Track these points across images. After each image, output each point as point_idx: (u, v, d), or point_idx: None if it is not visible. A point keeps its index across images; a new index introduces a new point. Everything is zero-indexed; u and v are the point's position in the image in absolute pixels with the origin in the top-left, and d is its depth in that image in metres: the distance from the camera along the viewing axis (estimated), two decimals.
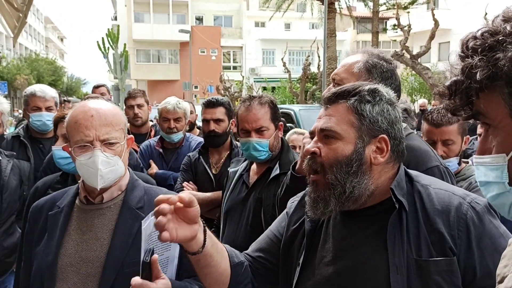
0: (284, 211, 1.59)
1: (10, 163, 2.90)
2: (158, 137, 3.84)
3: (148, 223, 1.27)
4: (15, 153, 3.09)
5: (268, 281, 1.52)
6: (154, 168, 3.62)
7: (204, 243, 1.26)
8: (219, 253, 1.36)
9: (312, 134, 1.39)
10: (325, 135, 1.31)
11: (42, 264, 1.65)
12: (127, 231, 1.58)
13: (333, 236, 1.36)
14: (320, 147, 1.31)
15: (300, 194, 1.57)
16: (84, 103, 1.71)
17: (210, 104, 3.22)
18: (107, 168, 1.61)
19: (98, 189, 1.64)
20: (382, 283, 1.21)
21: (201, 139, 3.77)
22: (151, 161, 3.70)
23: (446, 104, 0.91)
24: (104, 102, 1.76)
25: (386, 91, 1.35)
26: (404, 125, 2.01)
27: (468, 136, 2.72)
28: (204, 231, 1.26)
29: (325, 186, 1.29)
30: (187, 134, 3.90)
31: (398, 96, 1.89)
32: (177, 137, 3.68)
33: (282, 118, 2.91)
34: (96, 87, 5.60)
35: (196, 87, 34.84)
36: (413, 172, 1.38)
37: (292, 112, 9.26)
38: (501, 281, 0.89)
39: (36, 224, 1.77)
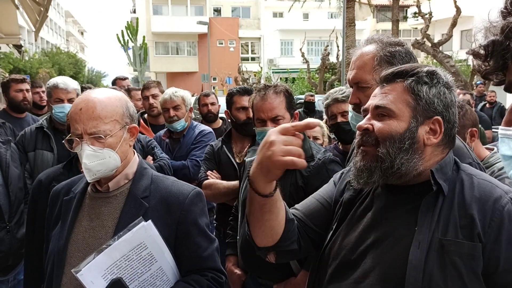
0: (331, 180, 1.63)
1: (8, 150, 2.84)
2: (166, 128, 3.90)
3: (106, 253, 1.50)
4: (10, 138, 3.06)
5: (313, 244, 1.54)
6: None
7: (275, 189, 1.34)
8: (282, 204, 1.42)
9: (365, 112, 1.39)
10: (379, 113, 1.33)
11: (55, 248, 1.71)
12: (130, 220, 1.59)
13: (371, 209, 1.39)
14: (373, 124, 1.33)
15: (347, 168, 1.60)
16: (82, 95, 1.71)
17: (247, 92, 3.22)
18: (95, 162, 1.61)
19: (89, 181, 1.69)
20: (401, 255, 1.24)
21: (205, 128, 3.81)
22: None
23: (478, 65, 0.83)
24: (103, 91, 1.73)
25: (444, 75, 1.36)
26: None
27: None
28: (276, 181, 1.36)
29: (373, 158, 1.32)
30: (194, 123, 3.91)
31: None
32: (179, 124, 3.72)
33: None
34: (122, 79, 5.68)
35: (214, 78, 34.92)
36: (462, 163, 1.40)
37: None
38: None
39: (53, 208, 1.83)
